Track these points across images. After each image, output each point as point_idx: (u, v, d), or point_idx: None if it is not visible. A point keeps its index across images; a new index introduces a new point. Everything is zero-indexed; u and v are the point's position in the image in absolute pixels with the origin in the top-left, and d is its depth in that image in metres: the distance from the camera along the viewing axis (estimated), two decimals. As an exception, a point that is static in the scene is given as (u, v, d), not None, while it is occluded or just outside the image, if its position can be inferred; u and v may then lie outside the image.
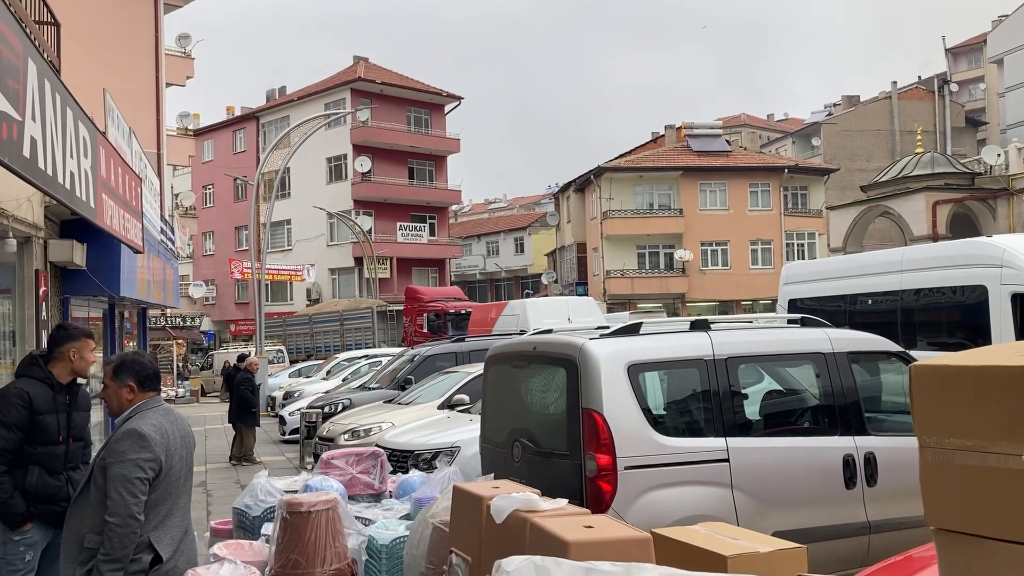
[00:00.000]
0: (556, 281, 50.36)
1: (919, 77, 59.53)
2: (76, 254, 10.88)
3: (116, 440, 3.70)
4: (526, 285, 61.05)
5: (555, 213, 54.69)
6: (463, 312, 28.42)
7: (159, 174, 22.94)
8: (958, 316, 11.41)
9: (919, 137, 33.78)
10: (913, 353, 7.09)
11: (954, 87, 54.86)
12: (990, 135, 53.90)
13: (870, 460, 5.74)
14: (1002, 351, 2.05)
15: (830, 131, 52.29)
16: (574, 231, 48.90)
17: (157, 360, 33.15)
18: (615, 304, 41.08)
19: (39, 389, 4.56)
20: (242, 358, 17.57)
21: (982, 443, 1.87)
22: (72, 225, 11.02)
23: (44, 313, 10.21)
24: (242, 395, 15.49)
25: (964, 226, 27.16)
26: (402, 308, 30.34)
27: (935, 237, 25.66)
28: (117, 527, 3.51)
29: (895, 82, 53.32)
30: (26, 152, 6.37)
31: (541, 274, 53.83)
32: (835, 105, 62.22)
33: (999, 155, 29.04)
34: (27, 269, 9.82)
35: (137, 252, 13.39)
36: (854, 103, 56.23)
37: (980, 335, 10.55)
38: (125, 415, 3.83)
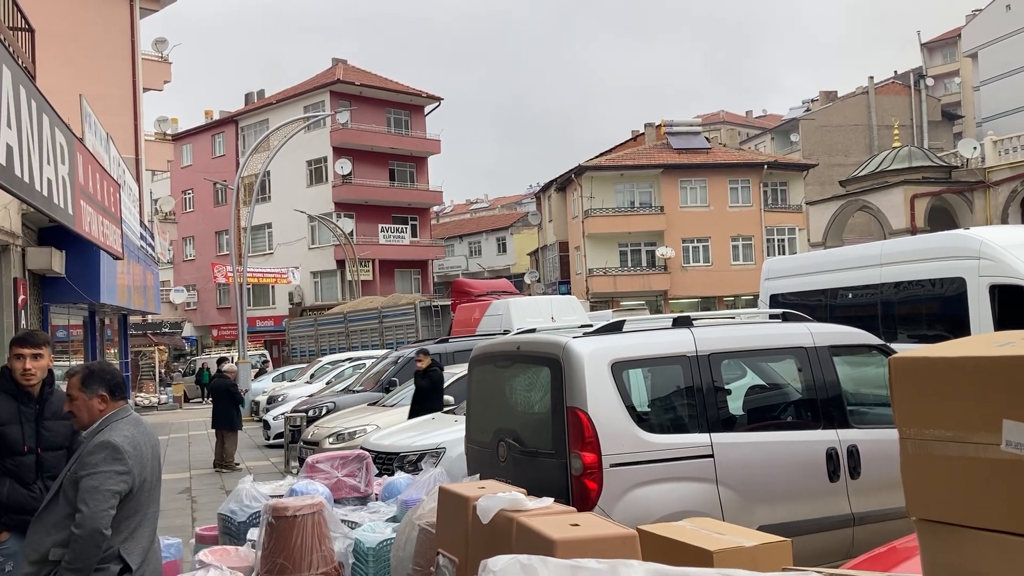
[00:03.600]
0: (539, 280, 50.43)
1: (895, 72, 60.00)
2: (55, 261, 10.79)
3: (88, 452, 3.61)
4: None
5: (537, 213, 54.74)
6: None
7: (138, 180, 22.79)
8: (937, 308, 11.52)
9: (896, 131, 34.04)
10: (894, 346, 7.15)
11: (930, 81, 55.33)
12: (966, 128, 54.37)
13: (853, 453, 5.79)
14: (979, 342, 2.07)
15: (808, 127, 52.61)
16: (556, 230, 48.95)
17: (139, 367, 33.00)
18: (598, 302, 41.15)
19: (1, 400, 4.47)
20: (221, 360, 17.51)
21: (961, 433, 1.88)
22: (50, 232, 10.93)
23: (24, 322, 10.12)
24: (223, 402, 15.41)
25: (942, 219, 27.42)
26: (447, 304, 28.86)
27: (914, 230, 25.90)
28: (83, 539, 3.44)
29: (871, 77, 53.68)
30: (2, 159, 6.32)
31: (524, 274, 53.83)
32: (813, 101, 62.60)
33: (975, 148, 29.34)
34: (5, 277, 9.73)
35: (117, 258, 13.31)
36: (832, 98, 56.58)
37: (959, 327, 10.65)
38: (95, 427, 3.73)
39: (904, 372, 2.04)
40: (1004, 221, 26.49)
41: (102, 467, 3.53)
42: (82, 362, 11.52)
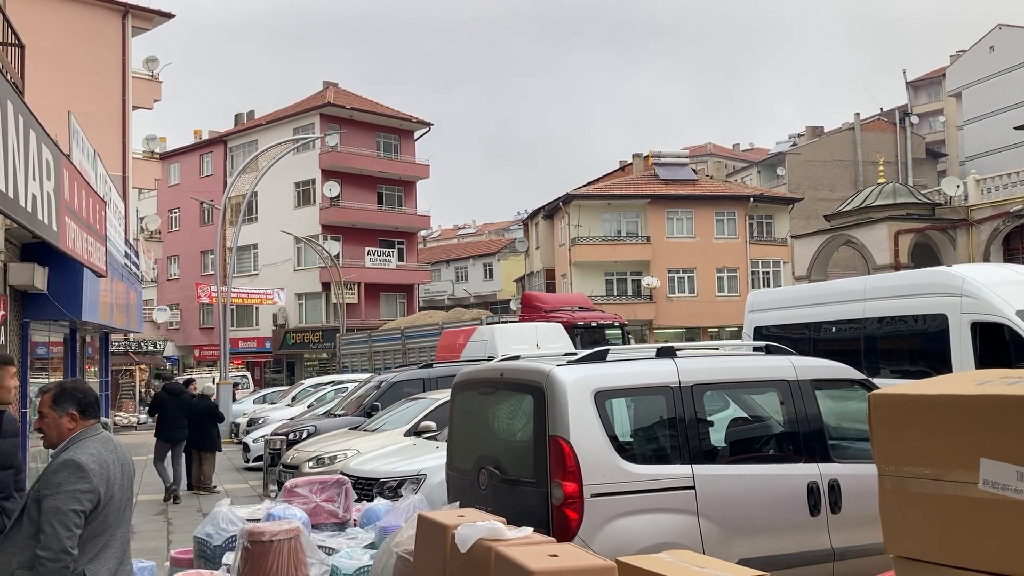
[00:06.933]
0: (525, 307, 50.34)
1: (881, 109, 60.76)
2: (37, 278, 10.69)
3: (52, 471, 3.56)
4: (495, 311, 60.99)
5: (524, 239, 54.87)
6: (594, 325, 24.04)
7: (124, 197, 22.73)
8: (920, 344, 11.58)
9: (881, 168, 34.39)
10: (876, 381, 7.17)
11: (915, 119, 56.01)
12: (950, 166, 55.07)
13: (834, 487, 5.79)
14: (958, 380, 2.08)
15: (794, 161, 53.11)
16: (543, 257, 49.07)
17: (119, 386, 32.67)
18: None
19: None
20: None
21: (939, 471, 1.89)
22: (33, 248, 10.85)
23: (2, 338, 10.02)
24: (204, 423, 15.20)
25: (925, 255, 27.65)
26: (514, 320, 26.95)
27: (897, 266, 26.09)
28: (49, 562, 3.38)
29: (858, 113, 54.34)
30: (-13, 174, 6.29)
31: (510, 300, 53.86)
32: (799, 135, 63.24)
33: (958, 186, 29.67)
34: (-14, 293, 9.64)
35: (100, 276, 13.22)
36: (818, 133, 57.21)
37: (941, 363, 10.71)
38: (62, 445, 3.69)
39: (883, 409, 2.04)
40: (986, 259, 26.75)
41: (66, 486, 3.47)
42: (53, 380, 11.39)
